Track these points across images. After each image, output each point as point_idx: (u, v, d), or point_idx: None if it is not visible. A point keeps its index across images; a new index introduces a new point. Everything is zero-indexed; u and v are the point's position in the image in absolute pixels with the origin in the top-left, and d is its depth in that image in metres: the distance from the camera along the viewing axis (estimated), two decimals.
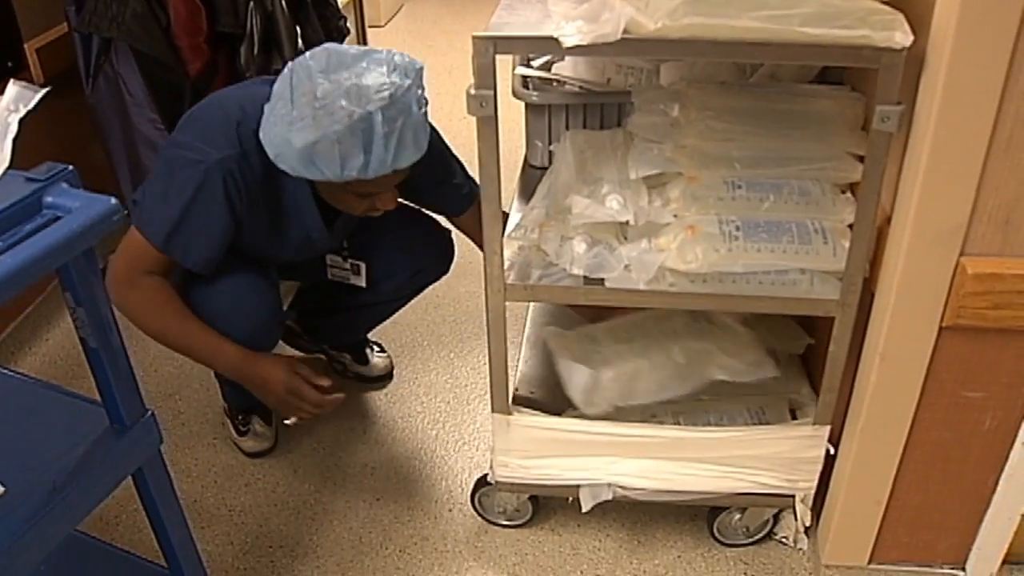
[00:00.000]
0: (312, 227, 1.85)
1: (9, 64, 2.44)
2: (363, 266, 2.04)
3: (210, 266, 1.75)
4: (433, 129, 1.79)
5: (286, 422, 1.92)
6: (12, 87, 1.33)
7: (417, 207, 2.07)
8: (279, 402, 1.81)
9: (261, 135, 1.65)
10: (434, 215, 2.11)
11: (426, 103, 1.63)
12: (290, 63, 1.64)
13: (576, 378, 1.75)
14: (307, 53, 1.63)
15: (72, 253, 1.13)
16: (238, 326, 1.80)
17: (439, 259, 2.12)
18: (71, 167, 1.19)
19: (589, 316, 1.93)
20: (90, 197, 1.15)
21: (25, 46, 2.48)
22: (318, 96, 1.54)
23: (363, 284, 2.06)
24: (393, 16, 5.32)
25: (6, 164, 1.21)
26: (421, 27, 5.15)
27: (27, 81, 2.46)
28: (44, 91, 1.32)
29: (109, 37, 2.23)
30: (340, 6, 2.68)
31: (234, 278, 1.82)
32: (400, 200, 2.02)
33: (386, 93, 1.53)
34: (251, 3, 2.25)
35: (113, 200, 1.14)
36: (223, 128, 1.68)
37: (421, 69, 1.63)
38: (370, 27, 4.28)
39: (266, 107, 1.64)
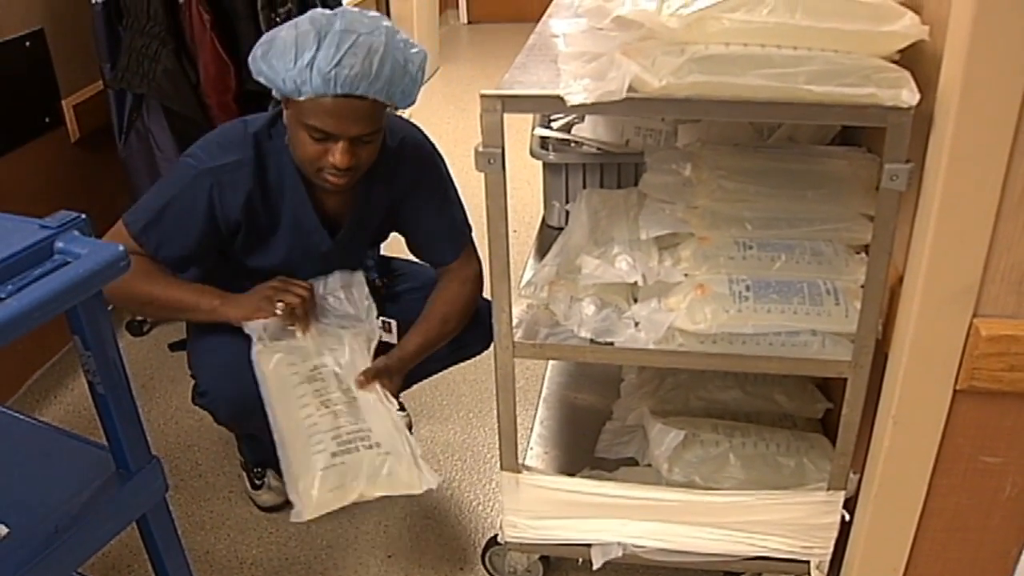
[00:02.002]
0: (317, 238, 1.86)
1: (47, 119, 2.51)
2: (394, 323, 2.01)
3: (181, 265, 1.81)
4: (445, 169, 1.91)
5: (276, 311, 1.80)
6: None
7: None
8: (264, 298, 1.81)
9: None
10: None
11: (403, 63, 1.65)
12: None
13: (668, 439, 1.75)
14: None
15: (78, 297, 1.15)
16: (228, 392, 1.83)
17: (483, 334, 1.88)
18: (83, 215, 1.21)
19: None
20: (99, 244, 1.17)
21: (63, 102, 2.56)
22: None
23: (394, 340, 2.01)
24: (429, 79, 5.41)
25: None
26: (455, 90, 5.24)
27: (63, 136, 2.55)
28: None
29: (141, 94, 2.29)
30: None
31: (237, 345, 1.83)
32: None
33: (355, 9, 1.63)
34: None
35: (121, 247, 1.16)
36: (228, 138, 1.79)
37: (423, 54, 1.70)
38: None
39: None
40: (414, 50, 1.68)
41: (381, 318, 1.99)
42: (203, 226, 1.76)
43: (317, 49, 1.58)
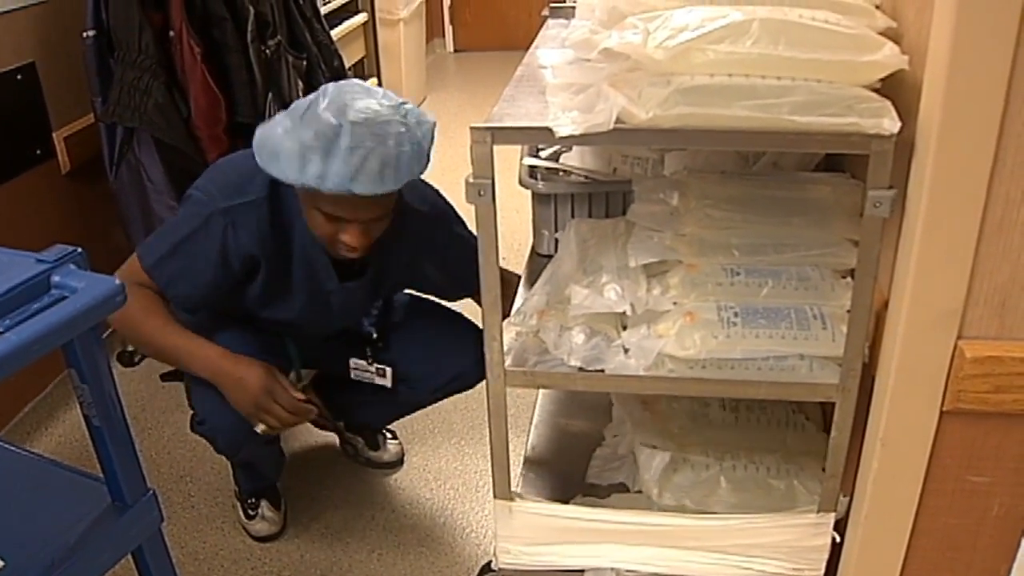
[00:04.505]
0: (325, 278, 1.88)
1: (38, 152, 2.53)
2: (389, 370, 2.05)
3: (189, 303, 1.81)
4: (452, 213, 1.96)
5: (256, 430, 1.85)
6: None
7: (454, 312, 2.11)
8: (252, 402, 1.79)
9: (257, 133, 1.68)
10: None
11: (415, 151, 1.65)
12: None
13: (655, 462, 1.75)
14: (342, 81, 1.69)
15: (76, 331, 1.16)
16: (226, 421, 1.85)
17: (480, 363, 1.82)
18: (79, 249, 1.23)
19: None
20: (95, 278, 1.18)
21: (54, 135, 2.57)
22: (315, 107, 1.60)
23: (388, 384, 2.06)
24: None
25: None
26: (442, 119, 5.21)
27: (54, 168, 2.57)
28: None
29: (132, 127, 2.31)
30: None
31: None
32: (437, 301, 2.07)
33: (362, 116, 1.57)
34: (269, 94, 2.33)
35: (117, 281, 1.17)
36: (243, 176, 1.76)
37: (432, 125, 1.69)
38: None
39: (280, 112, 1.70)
40: (424, 127, 1.68)
41: (375, 365, 2.06)
42: (215, 268, 1.77)
43: (326, 166, 1.57)
